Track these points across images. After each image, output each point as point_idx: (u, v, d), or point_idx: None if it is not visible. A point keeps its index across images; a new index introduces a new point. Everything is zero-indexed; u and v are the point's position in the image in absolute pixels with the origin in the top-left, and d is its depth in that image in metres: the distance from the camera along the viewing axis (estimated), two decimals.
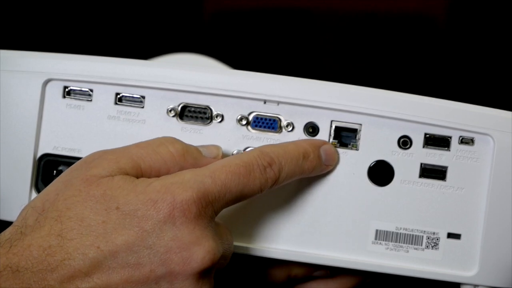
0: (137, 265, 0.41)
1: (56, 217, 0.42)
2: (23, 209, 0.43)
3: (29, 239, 0.41)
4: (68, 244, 0.41)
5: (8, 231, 0.42)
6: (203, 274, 0.42)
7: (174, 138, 0.46)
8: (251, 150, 0.47)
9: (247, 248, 0.50)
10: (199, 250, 0.42)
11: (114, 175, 0.43)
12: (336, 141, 0.50)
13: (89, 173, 0.43)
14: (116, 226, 0.42)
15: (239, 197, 0.45)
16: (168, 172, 0.45)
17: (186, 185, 0.43)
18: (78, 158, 0.51)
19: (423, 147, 0.50)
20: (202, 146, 0.47)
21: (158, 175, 0.44)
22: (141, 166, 0.44)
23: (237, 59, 0.78)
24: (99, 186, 0.43)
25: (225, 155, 0.48)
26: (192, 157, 0.46)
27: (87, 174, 0.43)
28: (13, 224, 0.43)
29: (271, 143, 0.50)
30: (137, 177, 0.44)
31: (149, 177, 0.44)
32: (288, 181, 0.47)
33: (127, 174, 0.44)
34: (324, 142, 0.49)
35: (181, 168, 0.45)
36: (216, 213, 0.44)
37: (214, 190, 0.43)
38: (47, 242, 0.41)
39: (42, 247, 0.41)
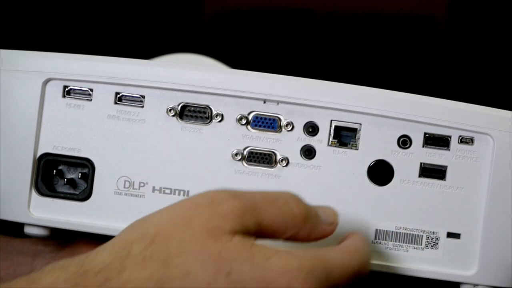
0: None
1: (163, 260, 0.39)
2: (130, 228, 0.41)
3: (127, 276, 0.39)
4: None
5: (106, 254, 0.40)
6: None
7: (299, 199, 0.44)
8: (361, 251, 0.44)
9: None
10: None
11: (236, 231, 0.41)
12: (336, 140, 0.50)
13: (213, 223, 0.41)
14: None
15: None
16: (284, 232, 0.43)
17: (304, 278, 0.40)
18: (78, 158, 0.51)
19: (423, 146, 0.50)
20: (321, 208, 0.45)
21: (274, 233, 0.43)
22: (263, 223, 0.42)
23: (237, 59, 0.78)
24: (217, 242, 0.40)
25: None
26: (311, 223, 0.44)
27: (210, 223, 0.41)
28: (114, 243, 0.41)
29: (271, 142, 0.50)
30: (256, 235, 0.42)
31: (266, 234, 0.42)
32: None
33: (248, 231, 0.41)
34: None
35: (297, 232, 0.43)
36: None
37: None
38: (144, 285, 0.38)
39: None
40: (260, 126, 0.50)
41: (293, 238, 0.44)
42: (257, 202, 0.43)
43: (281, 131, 0.50)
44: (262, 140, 0.50)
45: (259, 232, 0.42)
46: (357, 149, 0.50)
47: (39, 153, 0.51)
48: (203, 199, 0.42)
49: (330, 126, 0.50)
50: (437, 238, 0.50)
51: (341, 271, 0.42)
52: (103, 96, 0.51)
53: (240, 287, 0.39)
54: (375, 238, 0.50)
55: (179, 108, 0.50)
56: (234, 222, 0.41)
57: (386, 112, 0.49)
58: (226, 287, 0.39)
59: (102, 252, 0.40)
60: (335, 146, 0.50)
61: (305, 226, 0.44)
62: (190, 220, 0.41)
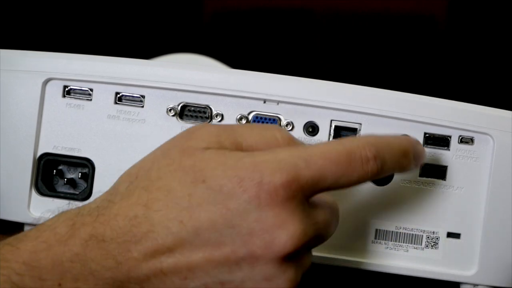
0: (219, 244, 0.40)
1: (145, 186, 0.41)
2: (120, 176, 0.43)
3: (117, 208, 0.41)
4: (153, 216, 0.40)
5: (99, 198, 0.42)
6: (287, 258, 0.40)
7: (282, 128, 0.44)
8: (355, 137, 0.44)
9: None
10: (282, 234, 0.40)
11: (210, 148, 0.42)
12: None
13: (187, 143, 0.42)
14: (201, 201, 0.40)
15: (333, 186, 0.41)
16: None
17: (277, 166, 0.40)
18: (78, 158, 0.51)
19: (423, 146, 0.50)
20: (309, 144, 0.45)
21: None
22: (242, 144, 0.43)
23: (237, 59, 0.78)
24: (191, 157, 0.41)
25: None
26: (296, 146, 0.43)
27: (185, 144, 0.42)
28: (106, 191, 0.43)
29: None
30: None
31: None
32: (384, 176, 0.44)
33: (225, 148, 0.42)
34: (418, 142, 0.46)
35: None
36: (306, 197, 0.41)
37: (306, 175, 0.40)
38: (133, 211, 0.40)
39: (128, 217, 0.40)
40: None
41: None
42: (234, 126, 0.44)
43: None
44: None
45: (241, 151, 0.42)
46: None
47: (39, 153, 0.51)
48: (180, 133, 0.44)
49: (330, 126, 0.50)
50: (437, 238, 0.50)
51: (322, 155, 0.41)
52: (103, 96, 0.51)
53: (217, 191, 0.40)
54: (375, 238, 0.50)
55: (179, 108, 0.50)
56: (208, 140, 0.42)
57: (386, 112, 0.49)
58: (206, 194, 0.40)
59: (95, 199, 0.43)
60: None
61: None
62: (168, 150, 0.43)
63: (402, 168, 0.45)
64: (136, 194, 0.41)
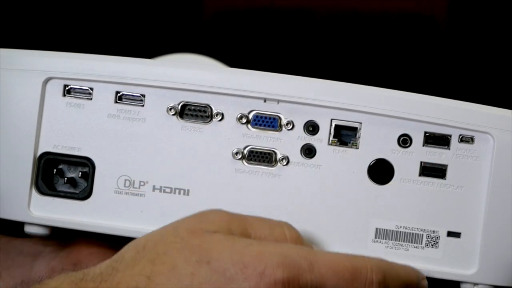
0: None
1: (151, 259, 0.42)
2: (128, 244, 0.44)
3: (120, 276, 0.42)
4: None
5: (103, 264, 0.43)
6: None
7: (292, 226, 0.46)
8: (365, 257, 0.44)
9: None
10: None
11: (220, 232, 0.43)
12: (336, 139, 0.50)
13: (198, 225, 0.44)
14: (203, 282, 0.41)
15: None
16: None
17: (282, 261, 0.41)
18: (78, 157, 0.51)
19: (423, 145, 0.50)
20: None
21: None
22: (251, 235, 0.44)
23: (237, 59, 0.78)
24: (200, 237, 0.43)
25: None
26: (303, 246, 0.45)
27: (195, 225, 0.44)
28: (111, 257, 0.43)
29: (271, 141, 0.50)
30: None
31: None
32: None
33: (234, 235, 0.43)
34: (424, 277, 0.48)
35: None
36: None
37: (308, 278, 0.42)
38: (135, 281, 0.41)
39: (130, 287, 0.41)
40: (260, 125, 0.50)
41: None
42: (247, 217, 0.45)
43: (281, 130, 0.50)
44: (263, 139, 0.50)
45: None
46: (358, 148, 0.50)
47: (39, 152, 0.51)
48: (194, 214, 0.45)
49: (331, 125, 0.50)
50: (437, 237, 0.50)
51: (328, 263, 0.42)
52: (104, 95, 0.51)
53: (220, 274, 0.41)
54: (375, 237, 0.50)
55: (179, 107, 0.50)
56: (218, 225, 0.43)
57: (386, 111, 0.49)
58: (208, 276, 0.41)
59: (100, 264, 0.43)
60: (336, 145, 0.50)
61: None
62: (178, 227, 0.44)
63: None
64: (141, 265, 0.42)
